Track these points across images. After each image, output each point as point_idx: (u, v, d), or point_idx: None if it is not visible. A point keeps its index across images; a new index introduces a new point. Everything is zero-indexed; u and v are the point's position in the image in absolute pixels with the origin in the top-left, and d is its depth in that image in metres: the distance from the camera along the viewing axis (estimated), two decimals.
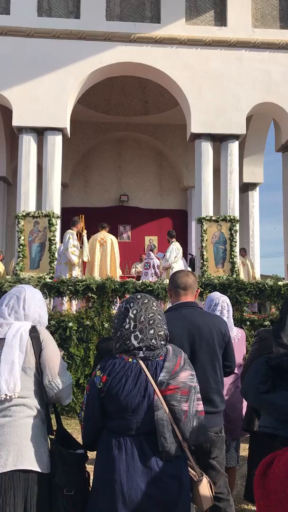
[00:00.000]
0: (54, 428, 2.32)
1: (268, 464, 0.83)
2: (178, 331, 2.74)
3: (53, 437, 2.27)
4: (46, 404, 2.25)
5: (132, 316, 2.15)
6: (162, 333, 2.16)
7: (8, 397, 2.14)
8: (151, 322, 2.15)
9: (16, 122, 10.65)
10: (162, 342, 2.17)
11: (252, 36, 11.03)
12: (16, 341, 2.22)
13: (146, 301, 2.20)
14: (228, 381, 3.00)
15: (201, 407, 2.16)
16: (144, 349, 2.11)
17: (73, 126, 12.06)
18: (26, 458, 2.10)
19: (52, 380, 2.25)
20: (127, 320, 2.15)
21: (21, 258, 10.49)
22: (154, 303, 2.22)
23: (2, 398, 2.13)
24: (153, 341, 2.13)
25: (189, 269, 11.18)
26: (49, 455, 2.18)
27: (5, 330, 2.26)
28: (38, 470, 2.11)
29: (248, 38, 11.00)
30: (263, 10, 11.27)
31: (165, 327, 2.20)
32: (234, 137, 11.12)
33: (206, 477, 2.19)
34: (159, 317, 2.19)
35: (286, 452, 0.80)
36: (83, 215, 10.14)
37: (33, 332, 2.28)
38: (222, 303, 3.79)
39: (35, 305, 2.40)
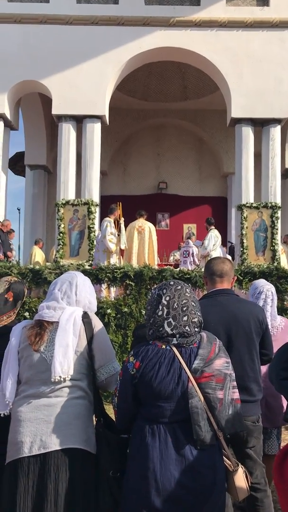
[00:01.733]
0: None
1: (287, 451, 0.80)
2: (214, 318, 2.69)
3: (97, 419, 2.31)
4: (94, 388, 2.30)
5: (165, 302, 2.11)
6: (196, 320, 2.12)
7: (62, 379, 2.19)
8: (184, 308, 2.10)
9: (55, 110, 10.73)
10: (196, 329, 2.12)
11: None
12: (70, 325, 2.27)
13: (179, 287, 2.15)
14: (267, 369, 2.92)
15: (236, 395, 2.11)
16: (177, 336, 2.07)
17: (112, 114, 12.05)
18: (76, 437, 2.16)
19: (103, 366, 2.31)
20: (160, 307, 2.11)
21: (61, 246, 10.63)
22: (187, 290, 2.17)
23: (56, 380, 2.18)
24: (187, 328, 2.08)
25: (228, 257, 11.03)
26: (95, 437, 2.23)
27: (58, 314, 2.31)
28: (88, 449, 2.17)
29: None
30: None
31: (199, 313, 2.15)
32: (276, 121, 10.81)
33: (241, 467, 2.14)
34: (192, 303, 2.14)
35: None
36: (120, 203, 10.13)
37: (85, 318, 2.33)
38: (267, 292, 3.69)
39: (85, 291, 2.45)
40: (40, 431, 2.14)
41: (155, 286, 2.30)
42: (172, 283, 2.19)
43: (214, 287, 2.92)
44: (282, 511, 0.77)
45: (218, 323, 2.70)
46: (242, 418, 2.22)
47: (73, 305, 2.38)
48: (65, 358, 2.20)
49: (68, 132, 10.84)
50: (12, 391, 2.25)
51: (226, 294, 2.86)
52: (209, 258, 9.75)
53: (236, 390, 2.13)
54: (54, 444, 2.12)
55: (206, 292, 2.95)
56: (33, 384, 2.22)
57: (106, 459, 2.18)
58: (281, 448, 0.74)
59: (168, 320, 2.08)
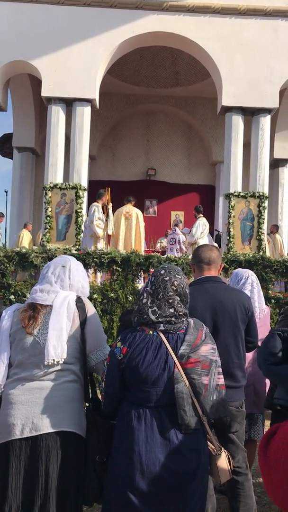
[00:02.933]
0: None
1: (272, 434, 0.85)
2: (201, 305, 2.72)
3: (88, 404, 2.34)
4: (85, 372, 2.32)
5: (150, 291, 2.12)
6: (182, 313, 2.13)
7: (56, 362, 2.19)
8: (170, 301, 2.10)
9: (45, 92, 10.59)
10: (183, 318, 2.14)
11: None
12: (63, 309, 2.27)
13: (167, 278, 2.12)
14: (253, 356, 2.99)
15: (222, 381, 2.15)
16: (164, 322, 2.09)
17: (102, 98, 11.92)
18: (69, 420, 2.18)
19: (94, 351, 2.33)
20: (145, 294, 2.13)
21: (48, 230, 10.57)
22: (175, 282, 2.12)
23: (50, 363, 2.18)
24: (173, 318, 2.10)
25: (215, 245, 11.10)
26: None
27: (52, 297, 2.31)
28: (79, 433, 2.20)
29: (285, 7, 10.57)
30: None
31: (186, 306, 2.16)
32: (266, 111, 10.81)
33: (224, 451, 2.19)
34: (178, 298, 2.12)
35: None
36: (109, 188, 10.10)
37: (79, 302, 2.34)
38: (251, 277, 3.74)
39: (78, 275, 2.46)
40: (32, 413, 2.14)
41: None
42: (162, 271, 2.16)
43: (201, 274, 2.94)
44: (266, 492, 0.81)
45: (205, 310, 2.73)
46: (227, 403, 2.26)
47: (66, 289, 2.38)
48: (58, 341, 2.21)
49: (57, 115, 10.72)
50: (4, 374, 2.24)
51: (213, 281, 2.89)
52: (196, 246, 9.81)
53: (221, 376, 2.16)
54: (46, 426, 2.13)
55: (193, 279, 2.97)
56: (25, 367, 2.22)
57: (94, 444, 2.21)
58: (265, 432, 0.78)
59: (153, 309, 2.10)
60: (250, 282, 3.69)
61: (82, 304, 2.35)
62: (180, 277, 2.16)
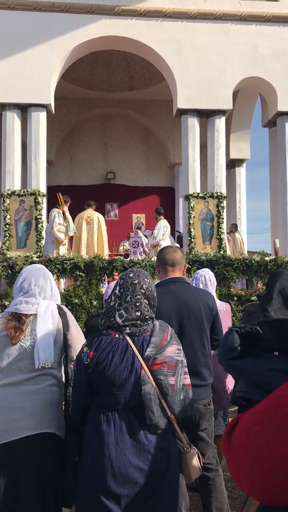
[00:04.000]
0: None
1: (235, 423, 0.90)
2: (166, 306, 2.76)
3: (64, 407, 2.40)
4: (66, 376, 2.40)
5: (118, 294, 2.14)
6: (148, 317, 2.15)
7: (46, 366, 2.27)
8: (137, 304, 2.13)
9: None
10: (149, 321, 2.17)
11: (238, 9, 10.84)
12: (48, 316, 2.39)
13: (136, 281, 2.16)
14: (213, 353, 3.06)
15: (188, 380, 2.19)
16: (130, 326, 2.11)
17: (58, 102, 11.85)
18: (49, 422, 2.23)
19: (73, 352, 2.39)
20: (113, 297, 2.15)
21: (7, 238, 10.40)
22: (144, 285, 2.16)
23: (39, 367, 2.25)
24: (138, 322, 2.13)
25: (177, 245, 11.20)
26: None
27: (35, 307, 2.41)
28: (58, 434, 2.26)
29: (234, 11, 10.81)
30: None
31: (153, 310, 2.18)
32: (221, 112, 11.02)
33: (194, 449, 2.22)
34: (146, 301, 2.14)
35: (249, 412, 0.88)
36: (59, 193, 10.11)
37: (61, 310, 2.48)
38: (200, 277, 3.86)
39: (54, 284, 2.59)
40: (15, 418, 2.18)
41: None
42: (131, 275, 2.19)
43: (166, 276, 2.98)
44: (231, 478, 0.86)
45: (170, 311, 2.77)
46: (193, 402, 2.30)
47: (48, 299, 2.49)
48: (46, 346, 2.30)
49: (12, 121, 10.57)
50: None
51: (178, 282, 2.94)
52: (158, 248, 9.87)
53: (187, 376, 2.20)
54: (27, 429, 2.18)
55: (158, 281, 3.01)
56: (8, 373, 2.26)
57: (73, 445, 2.26)
58: (229, 422, 0.83)
59: (120, 312, 2.11)
60: (196, 283, 3.83)
61: (63, 311, 2.49)
62: (148, 280, 2.20)
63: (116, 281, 2.23)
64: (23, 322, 2.36)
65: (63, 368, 2.44)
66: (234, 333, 1.01)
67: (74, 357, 2.32)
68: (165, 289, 2.87)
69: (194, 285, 3.80)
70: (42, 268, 2.57)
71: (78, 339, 2.43)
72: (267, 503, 0.83)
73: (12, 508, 2.10)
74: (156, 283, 3.07)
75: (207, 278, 3.91)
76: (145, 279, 2.18)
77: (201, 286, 3.81)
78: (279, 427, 0.78)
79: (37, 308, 2.40)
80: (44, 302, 2.44)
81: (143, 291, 2.15)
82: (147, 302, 2.15)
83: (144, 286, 2.16)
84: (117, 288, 2.16)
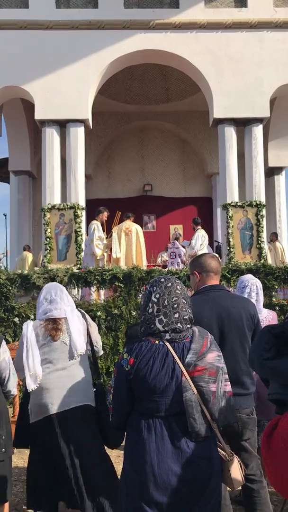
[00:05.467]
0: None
1: (274, 426, 0.86)
2: (207, 314, 2.74)
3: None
4: (93, 360, 3.24)
5: (155, 300, 2.14)
6: (187, 317, 2.14)
7: (82, 353, 3.06)
8: (175, 306, 2.12)
9: (38, 115, 10.72)
10: (188, 325, 2.15)
11: (274, 16, 10.77)
12: (75, 318, 3.15)
13: (169, 284, 2.17)
14: None
15: (229, 387, 2.15)
16: (170, 332, 2.11)
17: (95, 117, 12.07)
18: (87, 396, 3.03)
19: (97, 345, 3.29)
20: (150, 304, 2.14)
21: (48, 251, 10.60)
22: (178, 286, 2.18)
23: (77, 354, 3.03)
24: (178, 324, 2.11)
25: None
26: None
27: (63, 312, 3.12)
28: (91, 404, 3.04)
29: (269, 18, 10.75)
30: None
31: (189, 310, 2.18)
32: (258, 120, 10.92)
33: (236, 457, 2.18)
34: (183, 300, 2.15)
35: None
36: (119, 213, 10.24)
37: (82, 314, 3.26)
38: (251, 286, 3.78)
39: (68, 295, 3.29)
40: (63, 395, 2.93)
41: (148, 282, 2.33)
42: (162, 279, 2.20)
43: (206, 283, 2.95)
44: (270, 483, 0.81)
45: (211, 319, 2.74)
46: (235, 410, 2.26)
47: (68, 306, 3.18)
48: (80, 339, 3.08)
49: (51, 137, 10.84)
50: (40, 370, 2.93)
51: (218, 289, 2.91)
52: None
53: (228, 383, 2.17)
54: (74, 402, 2.94)
55: (189, 286, 3.01)
56: (56, 362, 3.01)
57: (103, 408, 3.02)
58: (268, 424, 0.78)
59: (159, 318, 2.11)
60: (248, 291, 3.74)
61: (84, 314, 3.27)
62: (179, 282, 2.23)
63: (146, 291, 2.23)
64: (58, 324, 3.08)
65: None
66: (268, 333, 0.96)
67: (95, 346, 3.24)
68: (206, 297, 2.85)
69: (241, 293, 3.73)
70: (57, 284, 3.33)
71: (96, 336, 3.31)
72: None
73: (69, 455, 2.86)
74: (196, 290, 3.06)
75: (258, 287, 3.84)
76: (176, 281, 2.21)
77: (253, 295, 3.74)
78: None
79: (65, 313, 3.12)
80: (68, 308, 3.16)
81: (179, 292, 2.16)
82: (184, 302, 2.15)
83: (178, 287, 2.18)
84: (152, 295, 2.16)
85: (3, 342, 3.10)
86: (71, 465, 2.85)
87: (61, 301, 3.14)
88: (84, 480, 2.84)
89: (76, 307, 3.30)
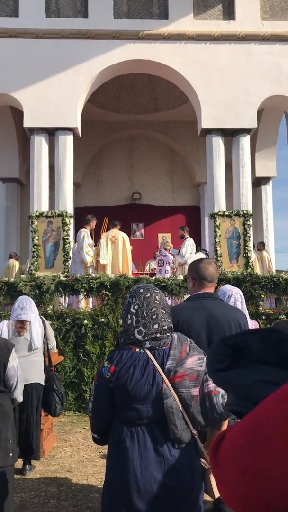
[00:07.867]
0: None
1: (221, 438, 0.86)
2: (196, 321, 2.75)
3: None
4: (46, 352, 5.00)
5: (134, 311, 2.14)
6: (166, 327, 2.14)
7: (37, 347, 4.82)
8: (154, 317, 2.12)
9: (27, 123, 10.73)
10: (168, 334, 2.16)
11: (261, 29, 10.95)
12: (37, 322, 4.90)
13: (148, 295, 2.16)
14: None
15: (211, 386, 2.13)
16: (150, 340, 2.11)
17: (84, 126, 12.12)
18: (40, 377, 4.83)
19: (52, 343, 5.10)
20: (129, 316, 2.15)
21: (35, 258, 10.56)
22: (157, 296, 2.17)
23: (35, 348, 4.81)
24: (158, 334, 2.12)
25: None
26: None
27: (28, 316, 4.87)
28: (42, 383, 4.83)
29: (257, 31, 10.92)
30: (272, 2, 11.17)
31: (169, 320, 2.18)
32: (245, 131, 11.05)
33: None
34: (162, 311, 2.15)
35: (235, 425, 0.84)
36: (107, 219, 10.27)
37: (42, 319, 5.04)
38: (235, 295, 3.80)
39: (34, 305, 5.07)
40: (27, 374, 4.40)
41: (128, 292, 2.33)
42: (141, 290, 2.20)
43: (200, 290, 2.96)
44: (220, 495, 0.80)
45: (200, 327, 2.75)
46: (219, 407, 2.26)
47: (33, 313, 4.94)
48: (38, 337, 4.83)
49: (40, 145, 10.85)
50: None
51: (211, 298, 2.92)
52: (186, 267, 9.84)
53: (211, 382, 2.14)
54: (30, 380, 4.62)
55: (176, 294, 3.01)
56: (20, 352, 4.51)
57: (51, 385, 4.83)
58: (216, 437, 0.78)
59: (139, 329, 2.11)
60: (233, 300, 3.76)
61: (43, 319, 5.07)
62: (158, 291, 2.22)
63: (126, 301, 2.24)
64: (24, 324, 4.83)
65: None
66: (221, 343, 0.96)
67: (49, 343, 5.02)
68: (198, 304, 2.86)
69: (226, 302, 3.75)
70: (28, 296, 5.20)
71: (51, 336, 5.09)
72: None
73: (29, 412, 4.69)
74: (185, 297, 3.06)
75: (242, 296, 3.86)
76: (155, 291, 2.20)
77: (238, 304, 3.76)
78: (265, 439, 0.73)
79: (30, 317, 4.85)
80: (32, 314, 4.90)
81: (157, 302, 2.16)
82: (163, 312, 2.15)
83: (157, 297, 2.17)
84: (131, 306, 2.17)
85: (13, 350, 3.19)
86: (26, 419, 4.66)
87: (29, 309, 4.86)
88: (31, 427, 4.66)
89: (40, 315, 5.08)
